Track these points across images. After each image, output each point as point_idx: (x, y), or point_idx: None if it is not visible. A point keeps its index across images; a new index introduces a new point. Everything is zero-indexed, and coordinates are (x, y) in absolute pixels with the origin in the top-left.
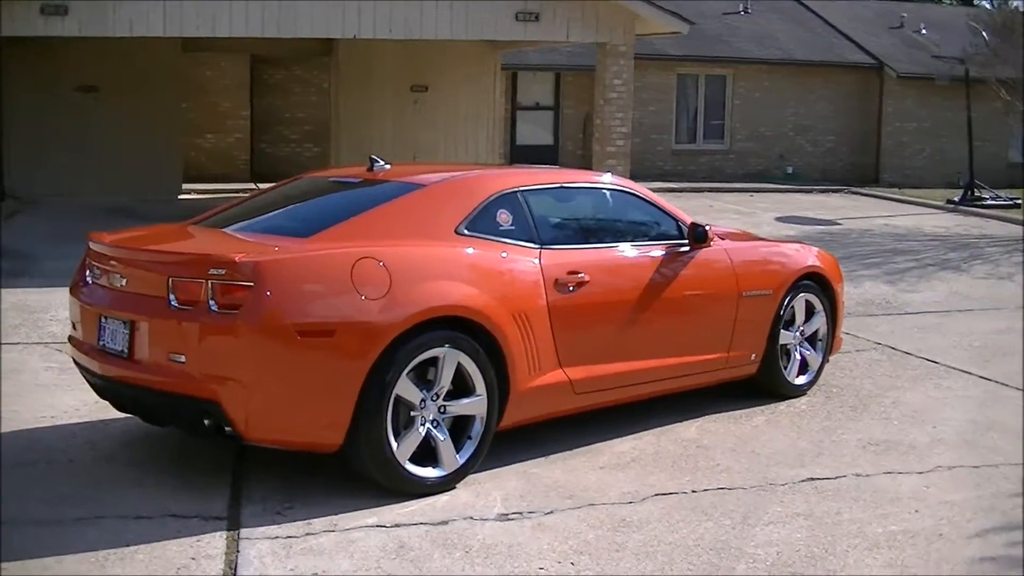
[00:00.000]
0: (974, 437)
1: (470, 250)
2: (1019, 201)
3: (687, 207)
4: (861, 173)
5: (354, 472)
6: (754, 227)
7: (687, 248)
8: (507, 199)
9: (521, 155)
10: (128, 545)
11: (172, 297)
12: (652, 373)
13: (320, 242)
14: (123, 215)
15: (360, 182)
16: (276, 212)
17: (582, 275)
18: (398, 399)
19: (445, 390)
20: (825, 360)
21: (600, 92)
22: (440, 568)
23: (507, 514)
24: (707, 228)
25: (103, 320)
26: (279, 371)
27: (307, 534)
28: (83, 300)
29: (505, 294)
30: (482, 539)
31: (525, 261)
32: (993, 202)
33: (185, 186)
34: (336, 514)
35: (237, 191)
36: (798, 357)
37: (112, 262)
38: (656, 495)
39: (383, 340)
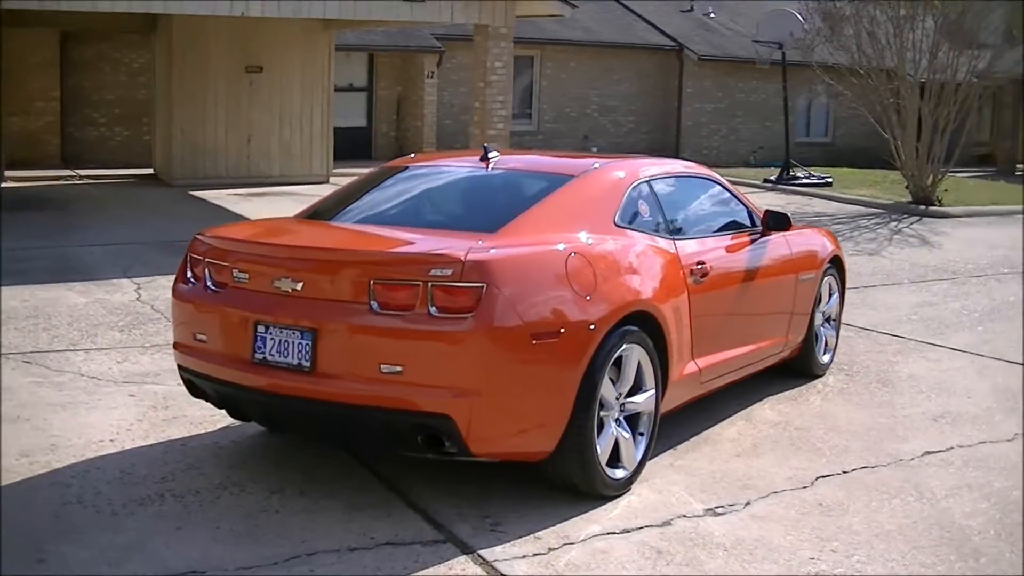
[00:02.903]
0: (1014, 404)
1: (635, 243)
2: (831, 180)
3: None
4: (662, 152)
5: (552, 479)
6: None
7: (760, 235)
8: (641, 190)
9: (335, 137)
10: None
11: (373, 302)
12: (746, 358)
13: (511, 236)
14: None
15: (493, 172)
16: (414, 206)
17: (706, 265)
18: (601, 400)
19: (628, 387)
20: (838, 339)
21: (480, 75)
22: (719, 567)
23: (712, 509)
24: (788, 216)
25: (262, 329)
26: (512, 379)
27: (550, 549)
28: (218, 305)
29: (664, 287)
30: (722, 536)
31: (669, 252)
32: (808, 180)
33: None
34: (550, 526)
35: (56, 178)
36: (823, 336)
37: (272, 262)
38: (818, 478)
39: (596, 339)
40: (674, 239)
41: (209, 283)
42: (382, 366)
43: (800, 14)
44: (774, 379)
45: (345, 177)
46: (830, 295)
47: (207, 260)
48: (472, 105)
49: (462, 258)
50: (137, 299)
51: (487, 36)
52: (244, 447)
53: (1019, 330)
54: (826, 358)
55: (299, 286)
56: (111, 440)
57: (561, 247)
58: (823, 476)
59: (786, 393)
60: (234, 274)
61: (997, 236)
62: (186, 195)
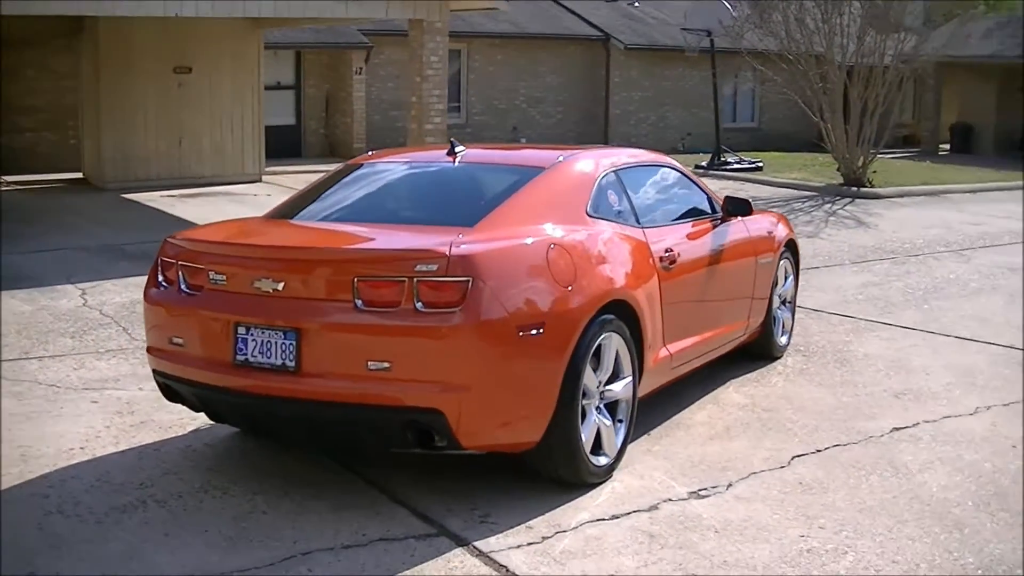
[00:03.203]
0: (971, 380)
1: (608, 232)
2: (761, 164)
3: None
4: (590, 142)
5: (537, 470)
6: None
7: (720, 221)
8: (609, 179)
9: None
10: None
11: (358, 299)
12: (713, 342)
13: (490, 230)
14: None
15: (462, 166)
16: (386, 202)
17: (674, 252)
18: (583, 390)
19: (607, 376)
20: (793, 320)
21: (416, 70)
22: (714, 549)
23: (696, 492)
24: (749, 201)
25: (243, 330)
26: (499, 372)
27: (544, 538)
28: (194, 308)
29: (637, 275)
30: (711, 518)
31: (639, 241)
32: (739, 165)
33: None
34: (539, 515)
35: None
36: (780, 319)
37: (251, 263)
38: (794, 458)
39: (578, 329)
40: (643, 227)
41: (183, 286)
42: (369, 363)
43: (728, 1)
44: (735, 362)
45: (277, 176)
46: (786, 278)
47: (180, 263)
48: (402, 100)
49: (447, 253)
50: (84, 305)
51: (423, 31)
52: (219, 450)
53: (964, 308)
54: (783, 340)
55: (280, 286)
56: (81, 448)
57: (541, 239)
58: (798, 456)
59: (748, 376)
60: (211, 276)
61: (929, 216)
62: (119, 199)
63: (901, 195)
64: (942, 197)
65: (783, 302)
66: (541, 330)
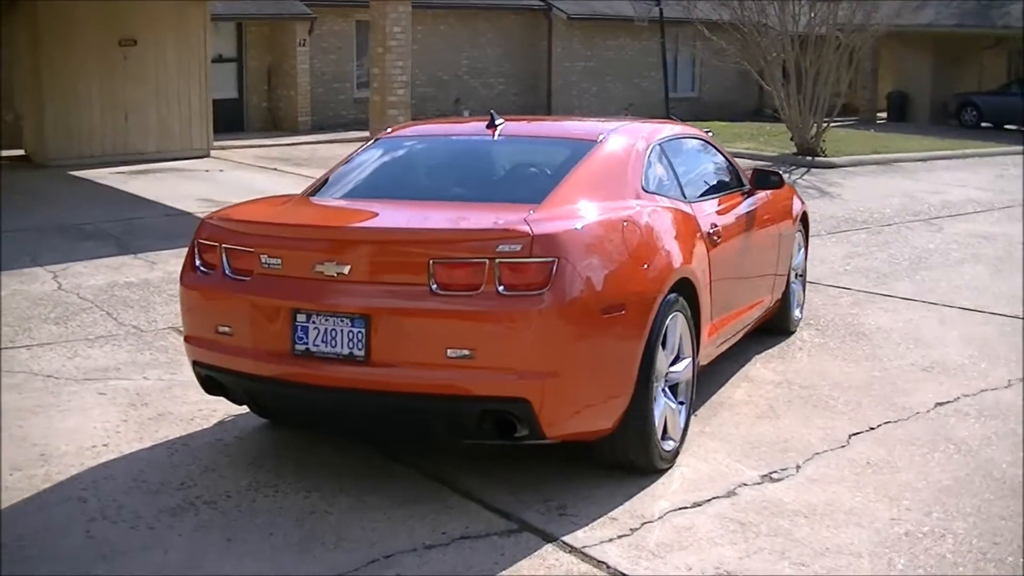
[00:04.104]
0: (990, 351)
1: (666, 208)
2: (711, 133)
3: None
4: (533, 113)
5: (607, 457)
6: None
7: (747, 194)
8: (658, 153)
9: None
10: None
11: (433, 283)
12: (745, 319)
13: (557, 207)
14: None
15: (508, 139)
16: (438, 178)
17: (719, 227)
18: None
19: (673, 357)
20: (804, 294)
21: (378, 40)
22: (809, 536)
23: (768, 475)
24: (780, 174)
25: (302, 318)
26: (585, 356)
27: (632, 530)
28: (244, 294)
29: (695, 252)
30: (793, 502)
31: (690, 216)
32: None
33: None
34: (617, 505)
35: None
36: (795, 292)
37: (312, 245)
38: (851, 436)
39: (653, 309)
40: (690, 202)
41: (228, 270)
42: (449, 351)
43: None
44: (754, 338)
45: (225, 151)
46: (799, 250)
47: (224, 246)
48: (345, 72)
49: (530, 232)
50: (59, 288)
51: (385, 1)
52: (252, 444)
53: (953, 278)
54: (798, 313)
55: (346, 270)
56: (104, 445)
57: (616, 216)
58: (854, 434)
59: (771, 351)
60: (263, 260)
61: (887, 185)
62: (66, 176)
63: (855, 164)
64: (894, 166)
65: (796, 275)
66: (623, 311)
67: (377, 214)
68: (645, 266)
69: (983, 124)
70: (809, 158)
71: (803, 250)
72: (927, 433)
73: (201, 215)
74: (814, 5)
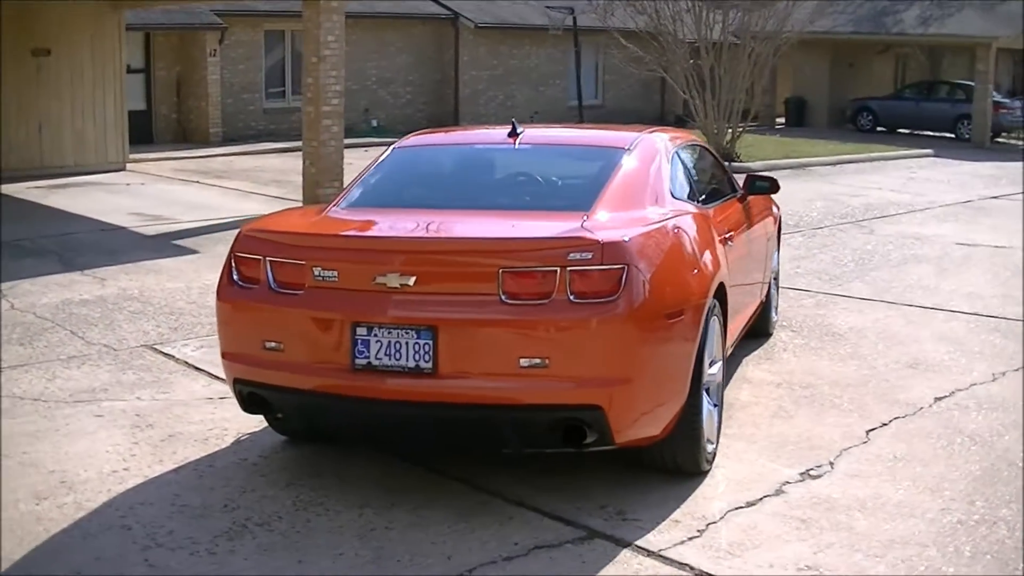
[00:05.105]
0: (964, 348)
1: (695, 214)
2: None
3: (293, 167)
4: (440, 122)
5: (654, 461)
6: None
7: (742, 199)
8: (676, 160)
9: None
10: None
11: (503, 292)
12: (746, 322)
13: (607, 213)
14: None
15: (536, 148)
16: (475, 188)
17: (732, 233)
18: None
19: (711, 360)
20: (778, 295)
21: (312, 50)
22: (870, 529)
23: (807, 472)
24: (775, 179)
25: (363, 331)
26: (653, 361)
27: (699, 531)
28: (296, 308)
29: (721, 257)
30: (842, 498)
31: (711, 221)
32: None
33: None
34: (674, 508)
35: None
36: (773, 295)
37: (373, 256)
38: (869, 431)
39: (703, 313)
40: (705, 208)
41: (273, 284)
42: (522, 360)
43: None
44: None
45: (141, 163)
46: (775, 253)
47: (269, 259)
48: (255, 82)
49: (599, 240)
50: (12, 308)
51: (319, 10)
52: (278, 460)
53: (902, 278)
54: (775, 316)
55: (411, 281)
56: (125, 469)
57: (667, 223)
58: (871, 430)
59: (756, 353)
60: (316, 272)
61: (806, 188)
62: None
63: (770, 168)
64: (807, 170)
65: (773, 278)
66: (682, 316)
67: (437, 225)
68: (695, 271)
69: (878, 128)
70: (726, 163)
71: (777, 253)
72: (938, 427)
73: (136, 229)
74: (727, 14)
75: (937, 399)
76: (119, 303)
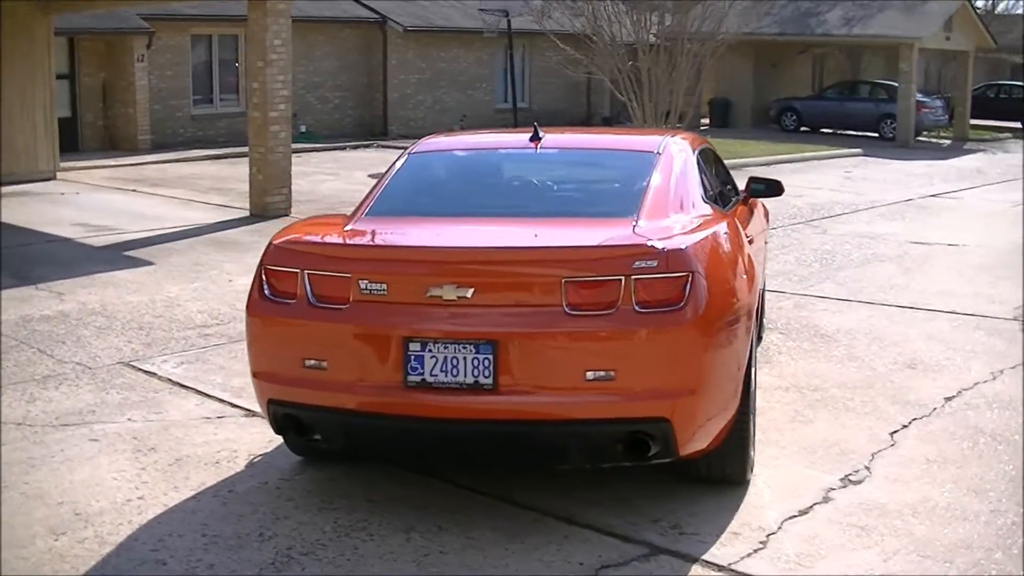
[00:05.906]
0: (956, 346)
1: (728, 218)
2: None
3: (231, 174)
4: (369, 127)
5: (700, 472)
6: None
7: (745, 201)
8: (699, 163)
9: None
10: None
11: (565, 303)
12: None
13: (653, 219)
14: None
15: (563, 152)
16: (512, 194)
17: (750, 236)
18: None
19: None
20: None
21: (258, 54)
22: (930, 533)
23: (847, 477)
24: (780, 182)
25: (416, 346)
26: (715, 370)
27: (761, 543)
28: (341, 324)
29: (753, 261)
30: (891, 503)
31: (738, 225)
32: None
33: None
34: (729, 519)
35: None
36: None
37: (427, 268)
38: (892, 433)
39: (753, 318)
40: (727, 211)
41: (312, 299)
42: (588, 373)
43: None
44: None
45: (71, 172)
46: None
47: (308, 272)
48: (182, 88)
49: (663, 248)
50: None
51: (265, 13)
52: (305, 485)
53: (870, 277)
54: (763, 319)
55: (469, 293)
56: (140, 498)
57: (718, 228)
58: (893, 432)
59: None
60: (363, 285)
61: None
62: None
63: None
64: (743, 170)
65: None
66: (738, 323)
67: (489, 234)
68: (744, 275)
69: (802, 128)
70: None
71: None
72: (957, 427)
73: (83, 240)
74: (663, 16)
75: (947, 399)
76: (83, 318)
